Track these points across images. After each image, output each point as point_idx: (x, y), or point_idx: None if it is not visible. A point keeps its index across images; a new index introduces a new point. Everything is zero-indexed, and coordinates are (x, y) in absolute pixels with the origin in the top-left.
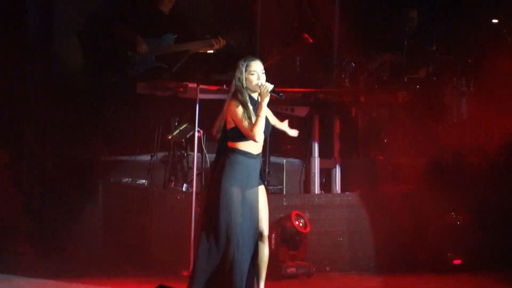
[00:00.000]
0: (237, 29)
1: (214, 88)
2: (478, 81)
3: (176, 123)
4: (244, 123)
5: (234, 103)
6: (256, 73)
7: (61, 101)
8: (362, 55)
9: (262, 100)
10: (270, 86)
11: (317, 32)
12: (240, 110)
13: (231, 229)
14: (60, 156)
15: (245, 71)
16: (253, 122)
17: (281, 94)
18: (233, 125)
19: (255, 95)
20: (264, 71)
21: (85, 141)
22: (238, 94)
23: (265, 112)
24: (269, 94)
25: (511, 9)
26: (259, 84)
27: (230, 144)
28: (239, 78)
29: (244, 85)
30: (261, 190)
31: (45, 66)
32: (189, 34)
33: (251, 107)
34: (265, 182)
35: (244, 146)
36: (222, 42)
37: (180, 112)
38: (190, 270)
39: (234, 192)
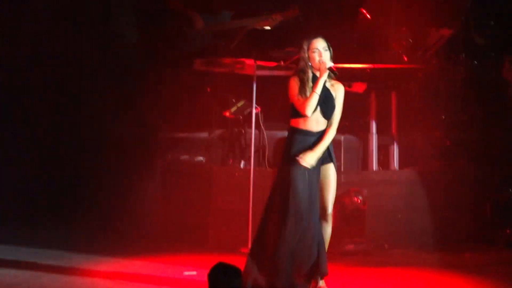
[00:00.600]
0: (295, 7)
1: (271, 64)
2: None
3: (234, 100)
4: (297, 97)
5: (294, 79)
6: (317, 50)
7: (118, 78)
8: (420, 31)
9: (320, 77)
10: (328, 63)
11: (375, 8)
12: (296, 85)
13: (287, 207)
14: (118, 133)
15: (307, 49)
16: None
17: (335, 72)
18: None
19: (318, 74)
20: (327, 48)
21: (143, 118)
22: (301, 72)
23: (321, 88)
24: (327, 72)
25: None
26: (320, 61)
27: (291, 121)
28: (303, 57)
29: (308, 64)
30: (328, 168)
31: (103, 44)
32: (246, 10)
33: (310, 85)
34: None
35: (301, 123)
36: (279, 18)
37: (237, 89)
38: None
39: (294, 170)
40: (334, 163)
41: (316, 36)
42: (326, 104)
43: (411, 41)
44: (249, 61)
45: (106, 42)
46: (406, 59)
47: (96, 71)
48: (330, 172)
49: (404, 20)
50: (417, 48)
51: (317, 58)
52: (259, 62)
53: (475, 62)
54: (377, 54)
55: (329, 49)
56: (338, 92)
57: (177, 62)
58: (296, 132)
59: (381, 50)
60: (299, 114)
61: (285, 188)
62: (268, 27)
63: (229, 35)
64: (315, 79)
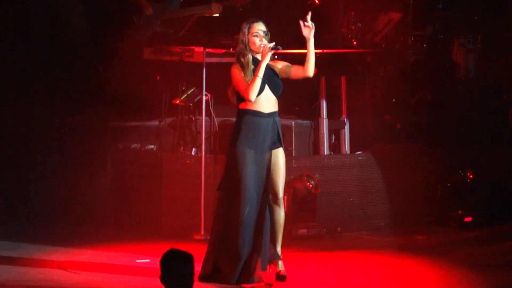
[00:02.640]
0: None
1: (220, 51)
2: (485, 38)
3: (184, 88)
4: (241, 84)
5: (236, 66)
6: (258, 34)
7: (67, 67)
8: (369, 15)
9: (262, 60)
10: (270, 44)
11: None
12: (239, 72)
13: (240, 189)
14: (68, 123)
15: (248, 32)
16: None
17: (279, 46)
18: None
19: (259, 57)
20: (267, 33)
21: (93, 108)
22: (240, 56)
23: (263, 72)
24: (271, 53)
25: None
26: (262, 45)
27: (241, 105)
28: (242, 40)
29: (248, 47)
30: (279, 152)
31: (50, 33)
32: None
33: (251, 68)
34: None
35: (252, 105)
36: (227, 5)
37: (187, 77)
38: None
39: (245, 152)
40: (283, 148)
41: (256, 20)
42: (273, 83)
43: (360, 25)
44: (198, 49)
45: (54, 32)
46: (355, 43)
47: (44, 61)
48: (280, 156)
49: (352, 4)
50: (366, 32)
51: (258, 41)
52: (208, 50)
53: (424, 45)
54: (326, 39)
55: (268, 34)
56: (279, 64)
57: (126, 50)
58: (246, 113)
59: (330, 34)
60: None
61: (237, 172)
62: (217, 14)
63: (178, 23)
64: (255, 62)
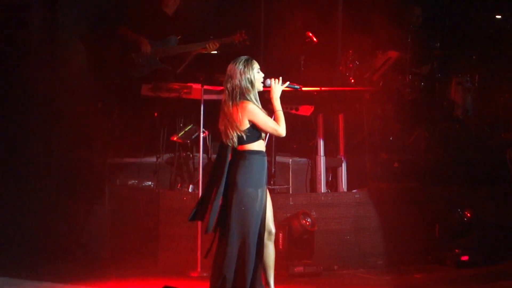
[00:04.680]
0: (241, 30)
1: (219, 88)
2: (483, 77)
3: (181, 125)
4: (268, 122)
5: (249, 103)
6: (259, 70)
7: (66, 104)
8: (367, 53)
9: (274, 95)
10: (282, 82)
11: (321, 31)
12: (259, 109)
13: (247, 229)
14: (66, 159)
15: (252, 69)
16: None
17: (298, 86)
18: (247, 126)
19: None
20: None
21: (91, 144)
22: (250, 94)
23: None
24: (282, 89)
25: None
26: (269, 81)
27: (244, 146)
28: (248, 78)
29: (255, 85)
30: (266, 189)
31: (49, 70)
32: (193, 36)
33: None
34: (269, 185)
35: (257, 146)
36: (226, 42)
37: (185, 114)
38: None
39: (252, 193)
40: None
41: (250, 57)
42: None
43: (358, 63)
44: (196, 86)
45: (52, 68)
46: (353, 81)
47: (43, 97)
48: (267, 192)
49: (351, 43)
50: (364, 70)
51: (261, 77)
52: (206, 87)
53: (422, 83)
54: (324, 77)
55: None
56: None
57: (124, 87)
58: (254, 153)
59: (328, 72)
60: (255, 137)
61: (246, 211)
62: (215, 52)
63: (176, 60)
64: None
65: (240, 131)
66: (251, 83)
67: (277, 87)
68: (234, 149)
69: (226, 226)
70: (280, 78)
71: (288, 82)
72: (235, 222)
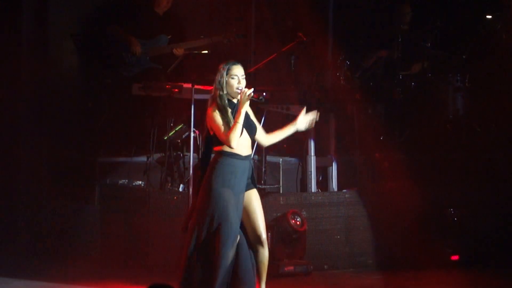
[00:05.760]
0: (232, 29)
1: (209, 88)
2: (473, 76)
3: (172, 124)
4: (220, 129)
5: (214, 110)
6: (236, 77)
7: (56, 103)
8: (357, 53)
9: (241, 106)
10: (249, 91)
11: (311, 31)
12: (217, 115)
13: (222, 229)
14: (56, 158)
15: (226, 74)
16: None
17: (261, 98)
18: (213, 131)
19: (235, 100)
20: (244, 76)
21: (81, 143)
22: (218, 98)
23: (243, 118)
24: (249, 100)
25: (504, 4)
26: (240, 89)
27: (217, 148)
28: (219, 82)
29: (224, 90)
30: (254, 193)
31: (40, 69)
32: (183, 35)
33: (229, 112)
34: (260, 185)
35: (227, 147)
36: (216, 41)
37: (175, 113)
38: (181, 268)
39: (225, 193)
40: (256, 188)
41: (235, 62)
42: (250, 127)
43: (348, 62)
44: (187, 85)
45: (43, 68)
46: (343, 81)
47: (34, 96)
48: (254, 197)
49: (341, 43)
50: (354, 70)
51: (235, 85)
52: (197, 86)
53: (413, 83)
54: (314, 76)
55: (244, 78)
56: (251, 113)
57: (115, 86)
58: (223, 154)
59: (318, 71)
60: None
61: (219, 214)
62: (205, 51)
63: (167, 59)
64: (231, 106)
65: (209, 133)
66: (221, 88)
67: (244, 99)
68: (209, 148)
69: (204, 227)
70: (252, 89)
71: (252, 94)
72: (199, 219)
